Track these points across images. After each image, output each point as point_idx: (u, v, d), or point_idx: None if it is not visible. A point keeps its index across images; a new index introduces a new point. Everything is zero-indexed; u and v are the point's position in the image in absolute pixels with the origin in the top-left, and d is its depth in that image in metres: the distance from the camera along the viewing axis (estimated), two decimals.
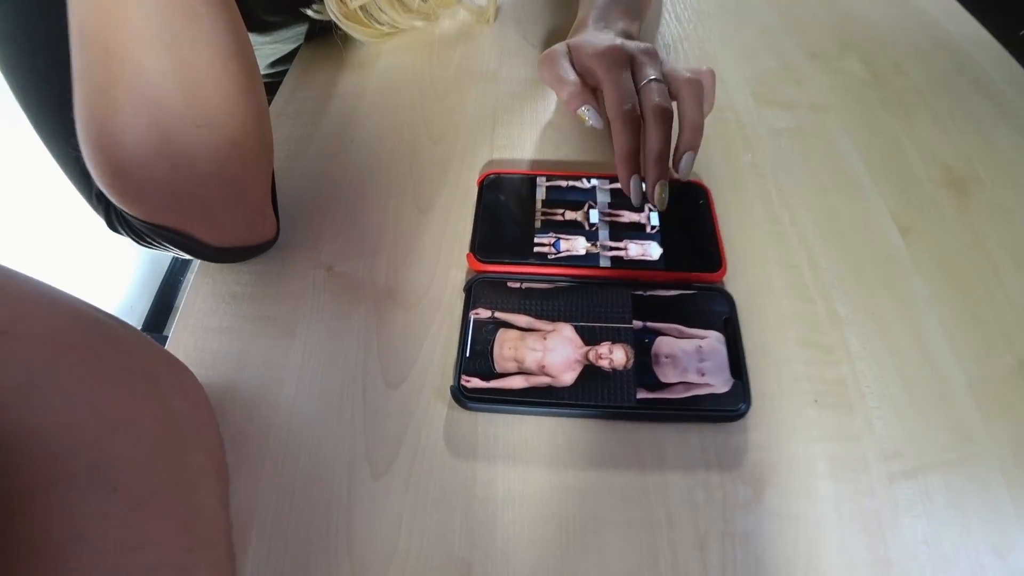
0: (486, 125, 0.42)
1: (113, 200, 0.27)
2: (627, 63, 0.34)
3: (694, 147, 0.33)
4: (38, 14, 0.30)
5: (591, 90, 0.35)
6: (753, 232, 0.35)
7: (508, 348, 0.29)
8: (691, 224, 0.34)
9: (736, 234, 0.35)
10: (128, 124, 0.24)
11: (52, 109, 0.31)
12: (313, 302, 0.32)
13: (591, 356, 0.28)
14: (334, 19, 0.43)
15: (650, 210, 0.34)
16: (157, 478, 0.21)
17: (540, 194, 0.35)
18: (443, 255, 0.34)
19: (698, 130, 0.33)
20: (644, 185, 0.33)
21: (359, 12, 0.44)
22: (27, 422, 0.18)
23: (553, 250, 0.33)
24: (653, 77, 0.33)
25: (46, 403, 0.18)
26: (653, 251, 0.33)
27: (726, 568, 0.24)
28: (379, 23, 0.46)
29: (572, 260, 0.32)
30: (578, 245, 0.33)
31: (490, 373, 0.28)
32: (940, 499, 0.26)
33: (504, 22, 0.51)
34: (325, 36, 0.47)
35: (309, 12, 0.44)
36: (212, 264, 0.34)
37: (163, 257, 1.15)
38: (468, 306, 0.30)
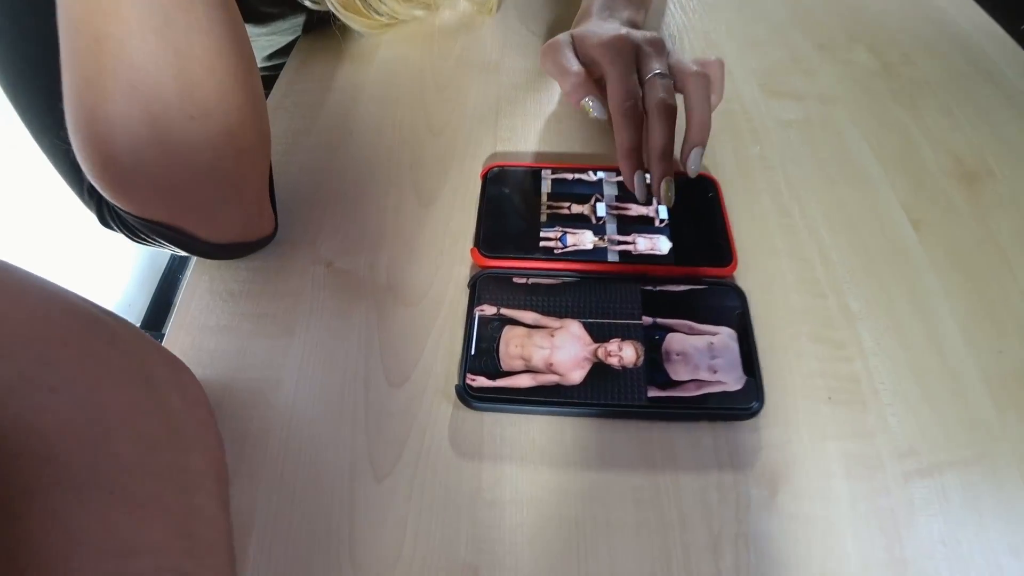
0: (489, 117, 0.41)
1: (105, 194, 0.26)
2: (632, 54, 0.33)
3: (702, 143, 0.32)
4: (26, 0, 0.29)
5: (595, 81, 0.35)
6: (762, 225, 0.34)
7: (514, 346, 0.28)
8: (700, 217, 0.33)
9: (745, 227, 0.34)
10: (119, 115, 0.23)
11: (41, 100, 0.30)
12: (313, 299, 0.31)
13: (600, 353, 0.28)
14: (332, 9, 0.42)
15: (658, 204, 0.33)
16: (155, 480, 0.20)
17: (545, 187, 0.35)
18: (446, 250, 0.33)
19: (705, 126, 0.32)
20: (651, 177, 0.32)
21: (358, 2, 0.44)
22: (20, 420, 0.17)
23: (560, 244, 0.32)
24: (658, 71, 0.32)
25: (40, 400, 0.18)
26: (662, 245, 0.32)
27: (740, 570, 0.23)
28: (378, 13, 0.45)
29: (579, 255, 0.32)
30: (585, 239, 0.32)
31: (496, 372, 0.27)
32: (956, 497, 0.25)
33: (506, 12, 0.50)
34: (323, 27, 0.46)
35: (307, 2, 0.43)
36: (209, 261, 0.33)
37: (161, 254, 1.15)
38: (472, 303, 0.30)
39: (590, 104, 0.34)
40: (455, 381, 0.28)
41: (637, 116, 0.32)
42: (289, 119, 0.41)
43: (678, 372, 0.27)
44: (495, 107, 0.41)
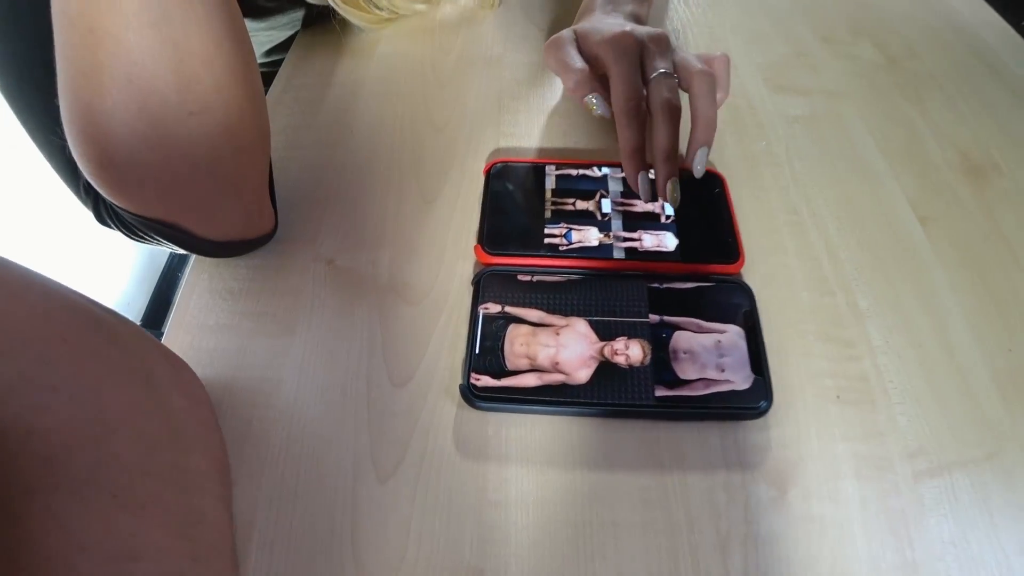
0: (491, 112, 0.40)
1: (101, 192, 0.26)
2: (636, 52, 0.33)
3: (708, 142, 0.32)
4: None
5: (599, 77, 0.34)
6: (769, 222, 0.34)
7: (519, 344, 0.27)
8: (707, 213, 0.33)
9: (752, 224, 0.34)
10: (116, 110, 0.23)
11: (36, 96, 0.29)
12: (314, 298, 0.31)
13: (606, 352, 0.27)
14: (332, 4, 0.42)
15: (664, 204, 0.33)
16: (157, 481, 0.20)
17: (550, 183, 0.34)
18: (449, 247, 0.33)
19: (711, 125, 0.32)
20: (656, 178, 0.32)
21: None
22: (20, 419, 0.17)
23: (565, 241, 0.31)
24: (662, 70, 0.32)
25: (40, 400, 0.17)
26: (668, 242, 0.32)
27: (748, 571, 0.23)
28: (378, 8, 0.45)
29: (585, 252, 0.31)
30: (590, 236, 0.32)
31: (501, 371, 0.27)
32: (966, 497, 0.25)
33: (508, 6, 0.49)
34: (323, 22, 0.46)
35: None
36: (208, 259, 0.32)
37: (160, 252, 1.14)
38: (476, 300, 0.29)
39: (594, 101, 0.33)
40: (459, 380, 0.27)
41: (641, 116, 0.32)
42: (289, 115, 0.40)
43: (686, 371, 0.27)
44: (498, 102, 0.41)
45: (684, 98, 0.33)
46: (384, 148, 0.38)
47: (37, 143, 0.31)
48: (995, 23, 0.47)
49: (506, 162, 0.35)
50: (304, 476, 0.25)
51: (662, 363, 0.27)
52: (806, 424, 0.27)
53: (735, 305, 0.29)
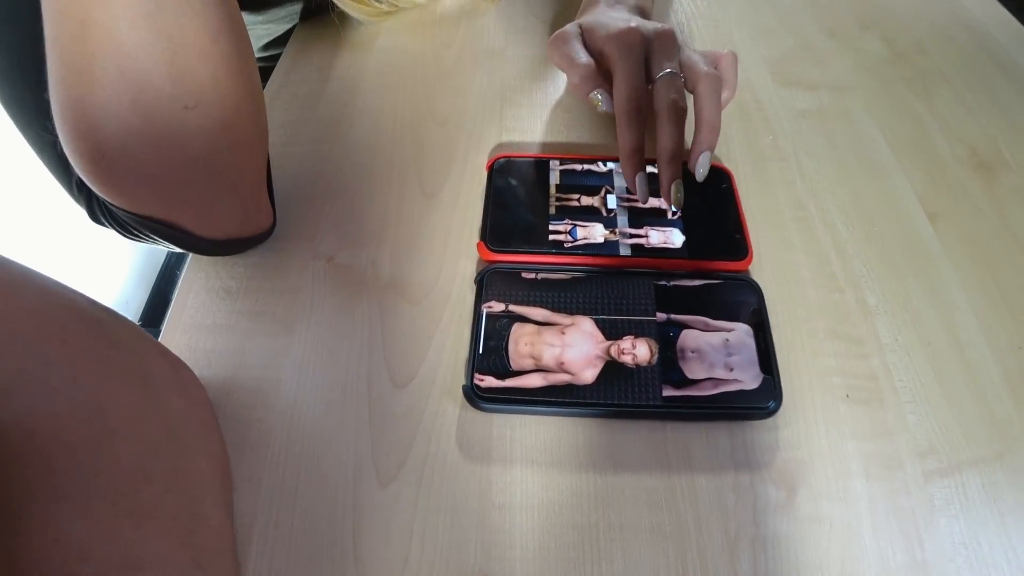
0: (494, 106, 0.40)
1: (95, 189, 0.25)
2: (642, 49, 0.32)
3: (711, 146, 0.32)
4: None
5: (604, 73, 0.34)
6: (777, 218, 0.34)
7: (524, 344, 0.27)
8: (714, 209, 0.32)
9: (759, 220, 0.33)
10: (108, 105, 0.22)
11: (25, 89, 0.29)
12: (313, 296, 0.30)
13: (613, 351, 0.27)
14: None
15: (667, 206, 0.32)
16: (158, 487, 0.20)
17: (554, 178, 0.34)
18: (451, 244, 0.32)
19: (715, 128, 0.31)
20: (660, 180, 0.32)
21: None
22: (19, 422, 0.16)
23: (570, 238, 0.31)
24: (669, 69, 0.32)
25: (37, 402, 0.17)
26: (675, 238, 0.31)
27: (757, 574, 0.23)
28: (378, 1, 0.44)
29: (590, 248, 0.31)
30: (596, 232, 0.31)
31: (505, 371, 0.26)
32: (977, 497, 0.25)
33: None
34: (321, 15, 0.45)
35: None
36: (205, 257, 0.32)
37: (159, 249, 1.13)
38: (480, 299, 0.29)
39: (599, 97, 0.33)
40: (462, 381, 0.27)
41: (641, 116, 0.31)
42: (287, 110, 0.40)
43: (693, 370, 0.26)
44: (500, 96, 0.40)
45: (688, 98, 0.33)
46: (384, 143, 0.37)
47: (28, 139, 0.30)
48: (1003, 18, 0.46)
49: (509, 157, 0.35)
50: (305, 479, 0.25)
51: (669, 362, 0.26)
52: (815, 423, 0.26)
53: (743, 303, 0.28)
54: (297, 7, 0.45)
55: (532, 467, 0.25)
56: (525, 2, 0.48)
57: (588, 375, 0.26)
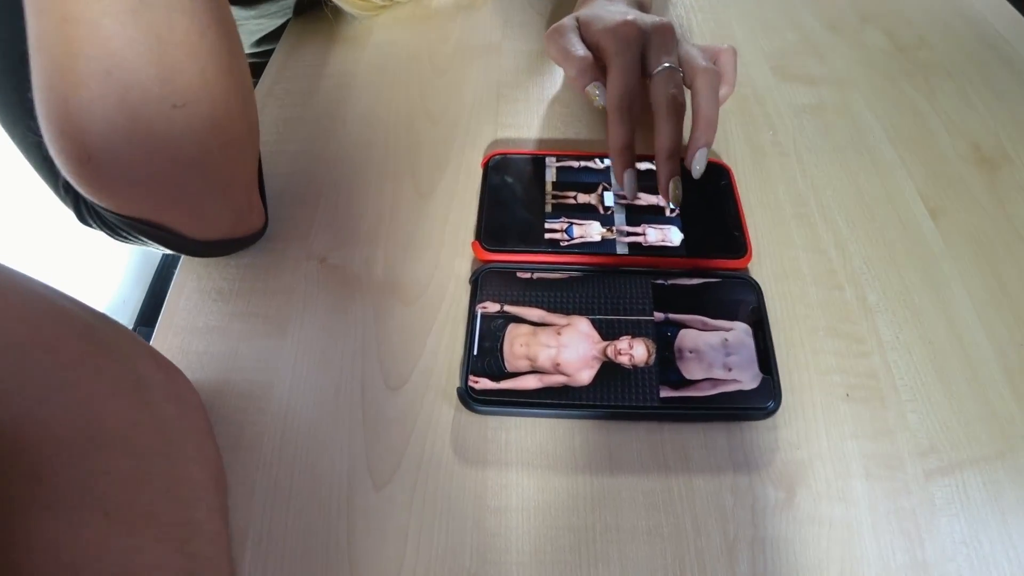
0: (490, 103, 0.39)
1: (81, 191, 0.25)
2: (638, 44, 0.32)
3: (708, 143, 0.31)
4: None
5: (601, 67, 0.33)
6: (777, 214, 0.33)
7: (519, 345, 0.27)
8: (713, 206, 0.32)
9: (758, 217, 0.33)
10: (94, 104, 0.21)
11: (8, 88, 0.28)
12: (306, 297, 0.30)
13: (610, 352, 0.26)
14: None
15: (666, 203, 0.32)
16: (151, 495, 0.19)
17: (550, 176, 0.33)
18: (446, 244, 0.32)
19: (713, 125, 0.31)
20: (658, 177, 0.31)
21: None
22: (5, 432, 0.16)
23: (566, 236, 0.31)
24: (667, 64, 0.31)
25: (26, 410, 0.17)
26: (674, 236, 0.31)
27: None
28: None
29: (587, 247, 0.30)
30: (592, 231, 0.31)
31: (500, 373, 0.26)
32: (978, 496, 0.25)
33: None
34: (314, 10, 0.45)
35: None
36: (196, 259, 0.31)
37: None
38: (474, 299, 0.28)
39: (596, 92, 0.32)
40: (456, 383, 0.27)
41: (633, 113, 0.31)
42: (279, 107, 0.39)
43: (691, 370, 0.26)
44: (496, 92, 0.40)
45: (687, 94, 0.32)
46: (378, 141, 0.37)
47: (13, 139, 0.30)
48: (1006, 11, 0.46)
49: (504, 154, 0.34)
50: (298, 482, 0.25)
51: (667, 363, 0.26)
52: (815, 423, 0.26)
53: (742, 301, 0.28)
54: (290, 1, 0.45)
55: (528, 470, 0.25)
56: None
57: (584, 376, 0.26)
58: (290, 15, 0.46)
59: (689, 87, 0.32)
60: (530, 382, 0.26)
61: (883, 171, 0.35)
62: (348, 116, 0.39)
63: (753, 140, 0.37)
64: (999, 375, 0.27)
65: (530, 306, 0.28)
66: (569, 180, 0.33)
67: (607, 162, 0.34)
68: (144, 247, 0.31)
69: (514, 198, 0.32)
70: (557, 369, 0.26)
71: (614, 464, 0.25)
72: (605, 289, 0.28)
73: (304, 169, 0.36)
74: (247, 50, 0.49)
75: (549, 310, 0.28)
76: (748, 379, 0.26)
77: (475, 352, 0.27)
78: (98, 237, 0.31)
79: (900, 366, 0.28)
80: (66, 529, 0.17)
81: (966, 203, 0.34)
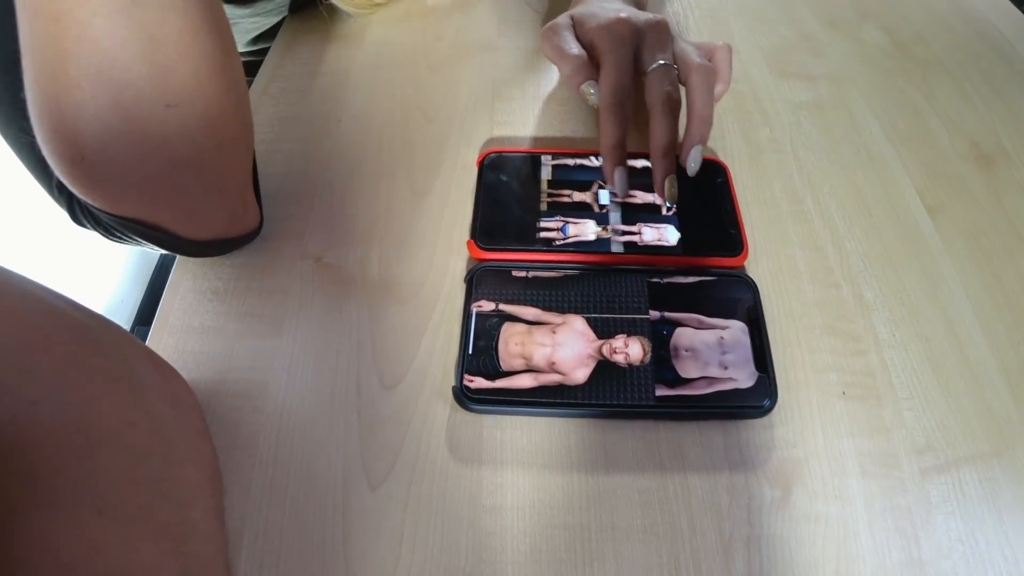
0: (485, 101, 0.39)
1: (75, 191, 0.24)
2: (631, 41, 0.32)
3: (703, 140, 0.31)
4: None
5: (595, 65, 0.33)
6: (773, 212, 0.33)
7: (514, 344, 0.27)
8: (709, 204, 0.32)
9: (755, 214, 0.33)
10: (86, 104, 0.21)
11: (1, 88, 0.28)
12: (301, 297, 0.30)
13: (605, 351, 0.26)
14: None
15: (662, 201, 0.32)
16: (147, 495, 0.19)
17: (545, 174, 0.33)
18: (441, 242, 0.32)
19: (708, 122, 0.31)
20: (654, 175, 0.31)
21: None
22: (1, 433, 0.16)
23: (561, 235, 0.30)
24: (662, 61, 0.31)
25: (19, 412, 0.16)
26: (670, 235, 0.31)
27: (752, 575, 0.23)
28: None
29: (582, 246, 0.30)
30: (587, 230, 0.31)
31: (495, 371, 0.26)
32: (974, 494, 0.25)
33: None
34: (310, 8, 0.44)
35: None
36: (191, 259, 0.31)
37: None
38: (469, 298, 0.28)
39: (591, 91, 0.32)
40: (452, 382, 0.27)
41: (625, 111, 0.31)
42: (274, 106, 0.39)
43: (687, 369, 0.26)
44: (492, 90, 0.40)
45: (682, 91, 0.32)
46: (373, 140, 0.37)
47: (7, 139, 0.30)
48: (1005, 9, 0.46)
49: (500, 152, 0.34)
50: (294, 482, 0.25)
51: (663, 361, 0.26)
52: (811, 421, 0.26)
53: (738, 299, 0.28)
54: (285, 0, 0.45)
55: (523, 468, 0.25)
56: None
57: (580, 375, 0.26)
58: (285, 13, 0.46)
59: (684, 84, 0.32)
60: (525, 381, 0.26)
61: (881, 168, 0.35)
62: (343, 115, 0.38)
63: (750, 137, 0.37)
64: (996, 373, 0.27)
65: (525, 305, 0.28)
66: (564, 178, 0.33)
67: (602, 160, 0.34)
68: (139, 247, 0.31)
69: (509, 197, 0.32)
70: (552, 368, 0.26)
71: (610, 463, 0.25)
72: (600, 287, 0.28)
73: (299, 168, 0.35)
74: (242, 49, 0.49)
75: (544, 309, 0.28)
76: (744, 377, 0.26)
77: (470, 351, 0.26)
78: (95, 237, 0.31)
79: (897, 364, 0.28)
80: (62, 528, 0.17)
81: (964, 200, 0.34)
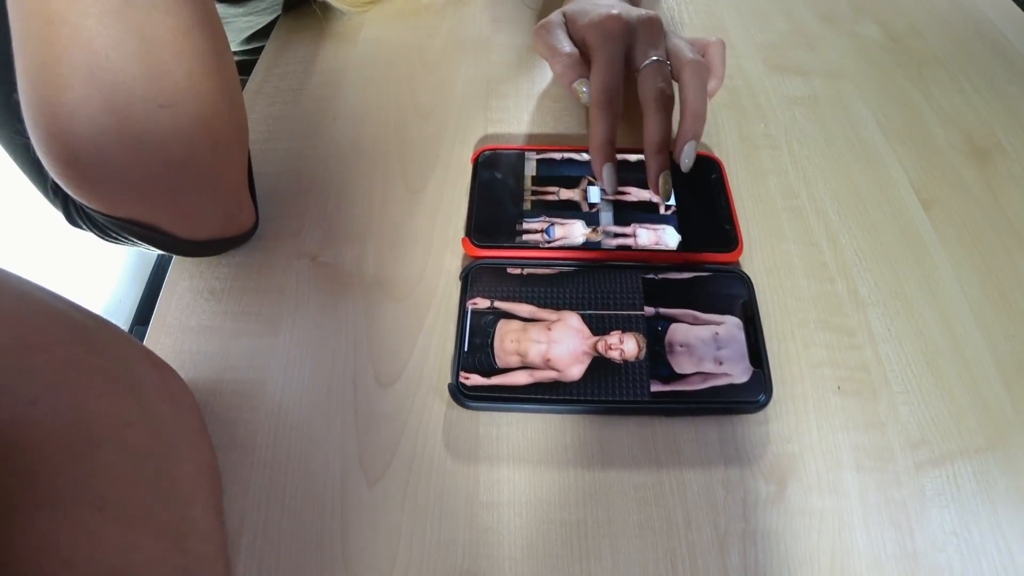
0: (479, 98, 0.39)
1: (70, 192, 0.25)
2: (623, 38, 0.32)
3: (696, 136, 0.31)
4: None
5: (588, 62, 0.33)
6: (768, 207, 0.33)
7: (510, 341, 0.27)
8: (704, 200, 0.32)
9: (750, 210, 0.33)
10: (79, 106, 0.21)
11: None
12: (297, 295, 0.30)
13: (600, 347, 0.26)
14: None
15: (656, 198, 0.32)
16: (147, 494, 0.19)
17: (541, 171, 0.33)
18: (436, 240, 0.32)
19: (701, 117, 0.31)
20: (648, 171, 0.31)
21: None
22: (0, 433, 0.16)
23: (546, 237, 0.30)
24: (655, 57, 0.31)
25: (19, 413, 0.17)
26: (668, 238, 0.30)
27: (747, 569, 0.23)
28: None
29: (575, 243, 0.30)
30: (575, 231, 0.31)
31: (491, 368, 0.26)
32: (968, 487, 0.25)
33: None
34: (304, 7, 0.44)
35: None
36: (187, 259, 0.31)
37: None
38: (465, 295, 0.28)
39: (583, 89, 0.32)
40: (448, 379, 0.27)
41: (615, 108, 0.31)
42: (269, 105, 0.39)
43: (682, 365, 0.26)
44: (486, 87, 0.40)
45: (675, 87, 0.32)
46: (368, 137, 0.37)
47: (1, 141, 0.30)
48: (999, 2, 0.46)
49: (495, 150, 0.34)
50: (292, 480, 0.25)
51: (658, 357, 0.26)
52: (806, 416, 0.26)
53: (733, 295, 0.28)
54: None
55: (519, 465, 0.25)
56: None
57: (575, 371, 0.26)
58: (279, 12, 0.46)
59: (676, 80, 0.32)
60: (521, 378, 0.26)
61: (875, 163, 0.35)
62: (338, 113, 0.38)
63: (744, 132, 0.37)
64: (990, 367, 0.27)
65: (520, 302, 0.28)
66: (555, 174, 0.33)
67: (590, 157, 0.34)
68: (135, 247, 0.31)
69: (504, 194, 0.32)
70: (548, 364, 0.26)
71: (605, 459, 0.25)
72: (595, 284, 0.28)
73: (294, 167, 0.35)
74: (236, 47, 0.49)
75: (539, 306, 0.28)
76: (739, 373, 0.26)
77: (466, 348, 0.27)
78: (91, 238, 0.31)
79: (891, 358, 0.28)
80: (62, 527, 0.17)
81: (959, 194, 0.34)
